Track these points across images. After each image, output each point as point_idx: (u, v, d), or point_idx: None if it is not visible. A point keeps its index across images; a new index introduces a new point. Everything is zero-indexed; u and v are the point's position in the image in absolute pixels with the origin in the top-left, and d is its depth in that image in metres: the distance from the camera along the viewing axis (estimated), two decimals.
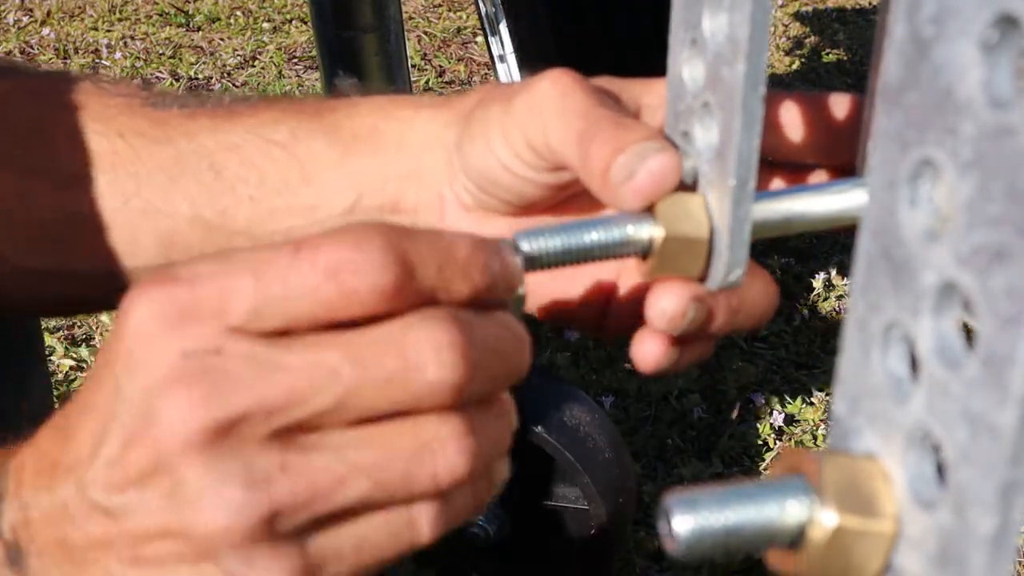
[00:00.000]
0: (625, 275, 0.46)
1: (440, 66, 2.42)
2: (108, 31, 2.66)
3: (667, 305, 0.38)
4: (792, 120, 0.43)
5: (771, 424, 1.34)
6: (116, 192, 0.49)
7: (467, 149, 0.44)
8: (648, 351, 0.40)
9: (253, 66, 2.47)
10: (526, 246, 0.37)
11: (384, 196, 0.47)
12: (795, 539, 0.24)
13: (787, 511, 0.24)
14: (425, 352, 0.30)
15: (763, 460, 1.29)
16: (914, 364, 0.23)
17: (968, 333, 0.21)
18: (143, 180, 0.49)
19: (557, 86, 0.41)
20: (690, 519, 0.24)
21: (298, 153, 0.47)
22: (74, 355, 1.49)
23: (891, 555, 0.23)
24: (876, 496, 0.23)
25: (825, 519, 0.23)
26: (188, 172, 0.48)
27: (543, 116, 0.41)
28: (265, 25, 2.69)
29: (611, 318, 0.47)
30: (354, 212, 0.47)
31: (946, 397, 0.21)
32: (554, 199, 0.44)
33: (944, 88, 0.21)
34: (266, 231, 0.48)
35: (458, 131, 0.45)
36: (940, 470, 0.22)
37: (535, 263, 0.37)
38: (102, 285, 0.52)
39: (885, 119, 0.22)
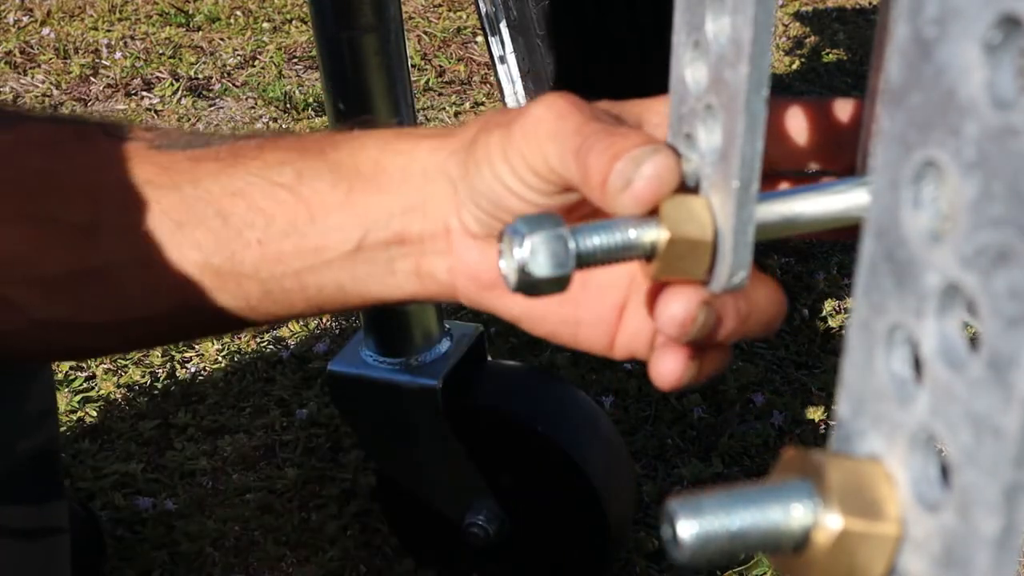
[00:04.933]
0: (635, 295, 0.46)
1: (440, 66, 2.41)
2: (108, 31, 2.66)
3: (677, 310, 0.38)
4: (798, 127, 0.44)
5: (771, 424, 1.34)
6: (128, 242, 0.49)
7: (473, 177, 0.44)
8: (668, 368, 0.41)
9: (253, 66, 2.47)
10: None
11: (389, 231, 0.47)
12: (800, 543, 0.24)
13: (792, 515, 0.24)
14: None
15: (763, 460, 1.29)
16: (918, 366, 0.23)
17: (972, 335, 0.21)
18: (152, 229, 0.49)
19: (552, 109, 0.42)
20: (694, 524, 0.24)
21: (303, 195, 0.48)
22: None
23: (896, 558, 0.23)
24: (880, 499, 0.23)
25: (829, 522, 0.23)
26: (195, 219, 0.49)
27: (540, 139, 0.41)
28: (265, 25, 2.69)
29: (622, 338, 0.47)
30: (361, 249, 0.47)
31: (950, 399, 0.21)
32: (568, 221, 0.45)
33: (947, 89, 0.21)
34: (274, 274, 0.48)
35: (461, 160, 0.45)
36: (944, 472, 0.22)
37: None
38: (115, 335, 0.52)
39: (888, 120, 0.22)
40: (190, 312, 0.50)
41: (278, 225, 0.48)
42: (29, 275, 0.49)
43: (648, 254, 0.37)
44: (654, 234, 0.37)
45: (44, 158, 0.51)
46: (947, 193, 0.21)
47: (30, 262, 0.49)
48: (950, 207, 0.21)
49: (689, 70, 0.36)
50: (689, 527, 0.24)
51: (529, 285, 0.37)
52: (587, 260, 0.37)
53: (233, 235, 0.48)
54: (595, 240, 0.37)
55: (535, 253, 0.36)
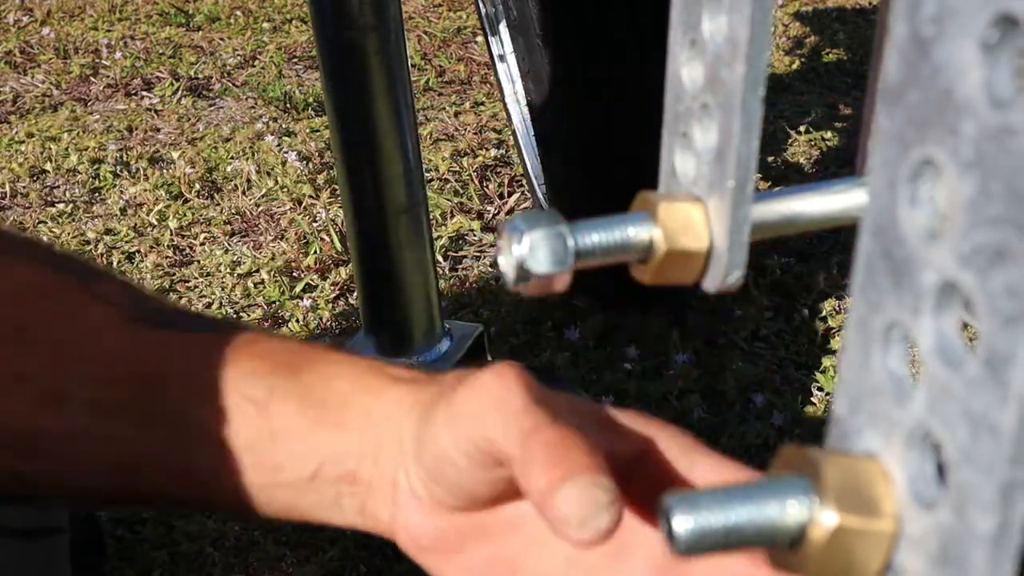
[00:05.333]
0: None
1: (440, 66, 2.41)
2: (108, 31, 2.66)
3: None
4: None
5: (771, 424, 1.34)
6: (88, 413, 0.49)
7: (422, 432, 0.43)
8: None
9: (253, 66, 2.47)
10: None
11: (342, 468, 0.47)
12: (796, 539, 0.24)
13: (788, 511, 0.24)
14: None
15: (763, 460, 1.29)
16: (915, 364, 0.23)
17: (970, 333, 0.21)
18: (115, 412, 0.49)
19: (498, 380, 0.40)
20: (690, 519, 0.24)
21: (271, 414, 0.48)
22: None
23: (892, 555, 0.23)
24: (877, 496, 0.23)
25: (825, 519, 0.23)
26: (156, 417, 0.49)
27: (483, 410, 0.40)
28: (265, 25, 2.69)
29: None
30: (315, 479, 0.47)
31: (947, 397, 0.21)
32: (507, 496, 0.43)
33: (944, 88, 0.21)
34: (228, 484, 0.48)
35: (419, 417, 0.44)
36: (941, 470, 0.22)
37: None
38: (53, 501, 0.52)
39: (885, 119, 0.22)
40: (134, 494, 0.51)
41: (240, 439, 0.48)
42: None
43: (646, 253, 0.37)
44: (653, 233, 0.37)
45: (20, 310, 0.51)
46: (944, 192, 0.21)
47: None
48: (947, 206, 0.21)
49: (685, 69, 0.36)
50: (685, 522, 0.24)
51: (527, 282, 0.37)
52: (586, 257, 0.37)
53: (194, 437, 0.48)
54: (594, 238, 0.37)
55: (534, 250, 0.36)
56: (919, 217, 0.22)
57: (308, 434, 0.47)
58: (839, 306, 1.54)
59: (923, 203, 0.22)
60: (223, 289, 1.65)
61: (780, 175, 1.93)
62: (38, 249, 0.56)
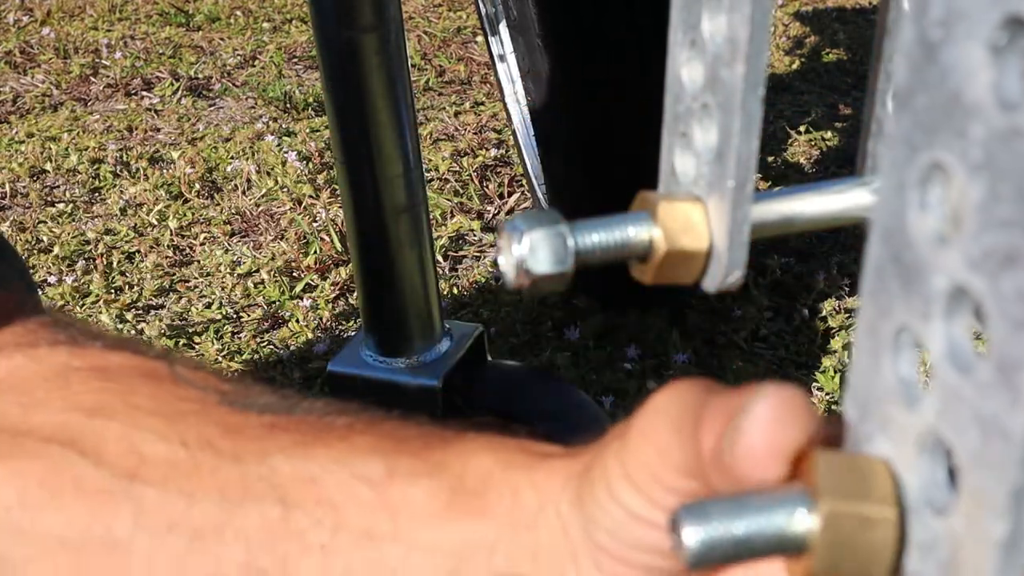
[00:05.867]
0: None
1: (440, 66, 2.41)
2: (108, 31, 2.66)
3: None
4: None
5: None
6: (162, 514, 0.40)
7: (587, 503, 0.33)
8: None
9: (253, 66, 2.47)
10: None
11: (488, 571, 0.36)
12: (804, 546, 0.24)
13: (796, 519, 0.23)
14: None
15: None
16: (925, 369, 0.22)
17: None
18: (196, 502, 0.39)
19: (664, 398, 0.33)
20: (700, 530, 0.24)
21: (391, 498, 0.38)
22: None
23: (903, 560, 0.23)
24: (872, 486, 0.23)
25: (823, 513, 0.23)
26: (250, 502, 0.39)
27: (660, 433, 0.31)
28: (265, 25, 2.69)
29: None
30: None
31: (957, 401, 0.21)
32: None
33: (953, 91, 0.20)
34: None
35: (577, 485, 0.34)
36: (952, 475, 0.22)
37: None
38: None
39: (893, 122, 0.22)
40: None
41: (351, 531, 0.38)
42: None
43: (645, 253, 0.37)
44: (653, 233, 0.36)
45: (98, 389, 0.43)
46: (953, 195, 0.21)
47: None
48: (957, 209, 0.21)
49: (685, 69, 0.36)
50: (694, 533, 0.24)
51: (528, 282, 0.37)
52: (586, 257, 0.37)
53: (293, 533, 0.38)
54: (594, 237, 0.37)
55: (534, 250, 0.36)
56: (928, 221, 0.22)
57: (442, 523, 0.37)
58: (839, 306, 1.54)
59: (932, 207, 0.22)
60: (223, 289, 1.65)
61: (780, 175, 1.93)
62: (137, 345, 0.48)
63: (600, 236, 0.37)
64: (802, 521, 0.24)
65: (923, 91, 0.21)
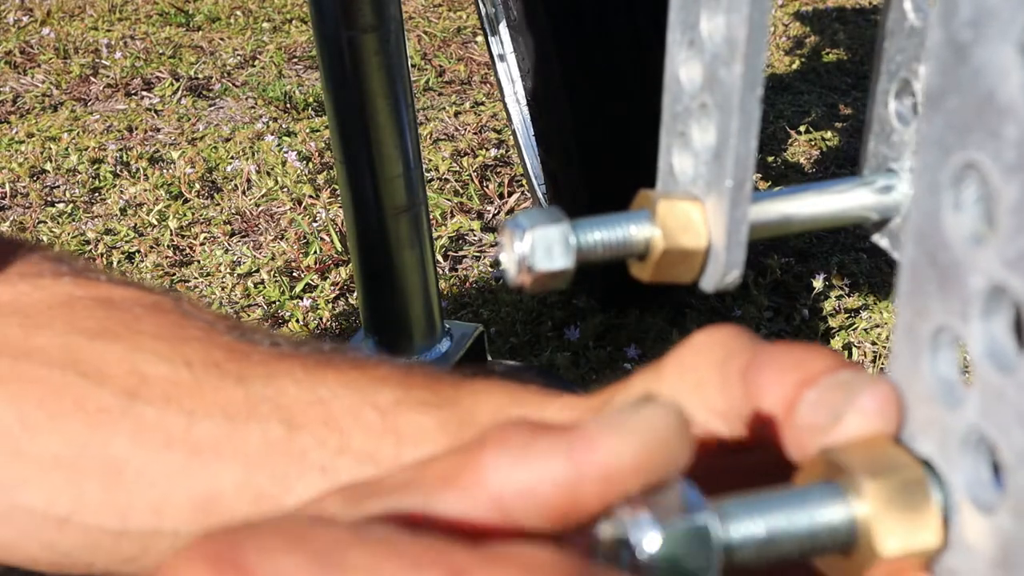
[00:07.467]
0: None
1: (440, 66, 2.41)
2: (108, 31, 2.66)
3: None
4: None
5: None
6: (160, 431, 0.39)
7: None
8: None
9: (253, 66, 2.47)
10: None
11: None
12: (829, 546, 0.24)
13: (821, 517, 0.24)
14: None
15: None
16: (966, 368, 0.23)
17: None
18: (197, 421, 0.39)
19: (712, 335, 0.32)
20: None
21: (398, 425, 0.37)
22: None
23: (946, 559, 0.23)
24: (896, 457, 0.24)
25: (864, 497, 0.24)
26: (254, 422, 0.39)
27: (697, 370, 0.31)
28: (265, 25, 2.69)
29: None
30: None
31: (1000, 400, 0.21)
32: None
33: (985, 92, 0.20)
34: None
35: (594, 417, 0.33)
36: (997, 473, 0.22)
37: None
38: (108, 545, 0.41)
39: (925, 124, 0.22)
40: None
41: (353, 453, 0.37)
42: (18, 448, 0.41)
43: (645, 251, 0.37)
44: (653, 232, 0.37)
45: (102, 317, 0.43)
46: (988, 195, 0.21)
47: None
48: (992, 209, 0.21)
49: (684, 69, 0.36)
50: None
51: (530, 279, 0.37)
52: (587, 255, 0.37)
53: (294, 452, 0.38)
54: (595, 235, 0.37)
55: (536, 247, 0.36)
56: (964, 221, 0.22)
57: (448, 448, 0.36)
58: (839, 306, 1.54)
59: (967, 207, 0.22)
60: (223, 289, 1.65)
61: (780, 175, 1.93)
62: (138, 283, 0.48)
63: (601, 234, 0.37)
64: (829, 517, 0.24)
65: (954, 92, 0.21)
